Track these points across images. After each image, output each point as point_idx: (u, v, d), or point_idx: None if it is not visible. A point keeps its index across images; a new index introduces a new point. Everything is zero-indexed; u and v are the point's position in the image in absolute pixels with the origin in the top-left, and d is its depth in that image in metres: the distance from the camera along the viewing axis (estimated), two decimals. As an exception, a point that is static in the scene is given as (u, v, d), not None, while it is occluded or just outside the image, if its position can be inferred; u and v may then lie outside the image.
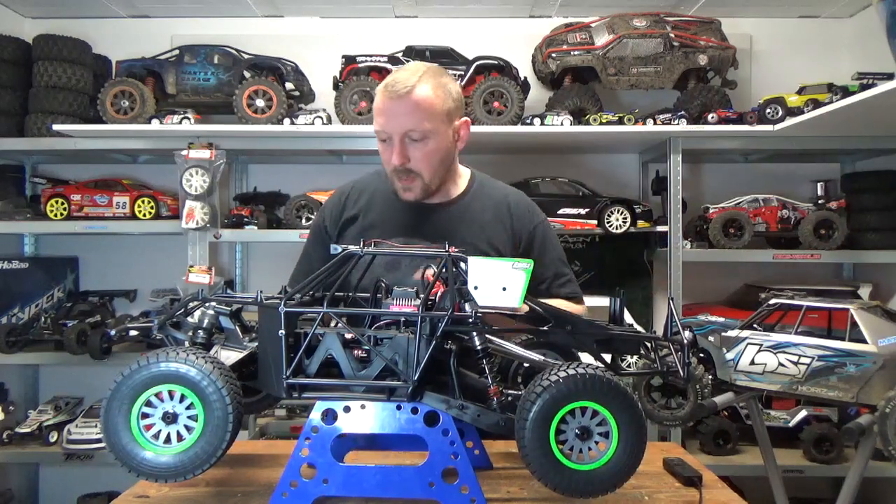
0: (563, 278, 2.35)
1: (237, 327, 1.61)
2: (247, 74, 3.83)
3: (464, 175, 2.36)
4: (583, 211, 3.88)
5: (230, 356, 1.56)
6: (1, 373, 4.17)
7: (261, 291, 1.56)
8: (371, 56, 3.85)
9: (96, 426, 3.75)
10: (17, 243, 4.40)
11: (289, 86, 3.87)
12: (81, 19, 4.35)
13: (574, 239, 4.40)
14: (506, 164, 4.38)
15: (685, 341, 1.53)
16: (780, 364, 2.14)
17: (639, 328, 2.29)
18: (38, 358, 3.99)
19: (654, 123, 3.75)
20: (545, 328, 1.56)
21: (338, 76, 3.85)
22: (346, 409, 1.47)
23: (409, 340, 1.44)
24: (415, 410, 1.46)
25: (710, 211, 3.92)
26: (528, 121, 3.74)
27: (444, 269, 1.48)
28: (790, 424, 3.77)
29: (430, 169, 2.13)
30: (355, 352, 1.49)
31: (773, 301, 2.34)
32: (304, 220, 3.81)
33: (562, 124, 3.71)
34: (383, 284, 1.62)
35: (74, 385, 4.21)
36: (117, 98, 3.73)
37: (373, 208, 2.27)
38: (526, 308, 1.55)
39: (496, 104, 3.75)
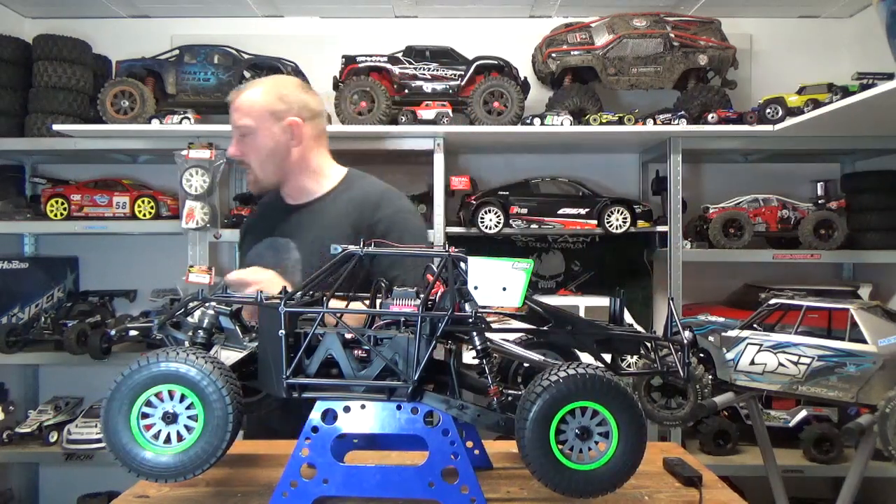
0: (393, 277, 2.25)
1: (237, 327, 1.61)
2: (247, 74, 3.83)
3: (331, 176, 2.52)
4: (583, 211, 3.88)
5: (230, 356, 1.56)
6: (1, 373, 4.17)
7: (261, 291, 1.56)
8: (371, 56, 3.85)
9: (96, 426, 3.75)
10: (17, 243, 4.41)
11: (289, 86, 3.87)
12: (81, 19, 4.36)
13: (574, 239, 4.41)
14: (506, 164, 4.39)
15: (685, 341, 1.53)
16: (780, 364, 2.14)
17: (639, 328, 2.30)
18: (38, 358, 3.99)
19: (654, 123, 3.75)
20: (545, 328, 1.56)
21: (338, 76, 3.85)
22: (346, 409, 1.47)
23: (409, 340, 1.44)
24: (415, 410, 1.46)
25: (710, 211, 3.92)
26: (528, 121, 3.74)
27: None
28: (790, 424, 3.77)
29: (258, 162, 2.41)
30: (355, 352, 1.49)
31: (773, 301, 2.34)
32: (304, 220, 3.81)
33: (562, 124, 3.71)
34: (383, 284, 1.62)
35: (74, 385, 4.21)
36: (117, 98, 3.74)
37: (261, 217, 2.61)
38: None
39: (496, 104, 3.75)
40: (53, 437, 3.86)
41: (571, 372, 1.36)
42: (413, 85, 3.86)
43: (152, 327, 1.63)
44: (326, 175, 2.51)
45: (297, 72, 3.92)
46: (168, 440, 1.39)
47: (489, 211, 3.83)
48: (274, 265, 2.28)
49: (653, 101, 4.12)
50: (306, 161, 2.48)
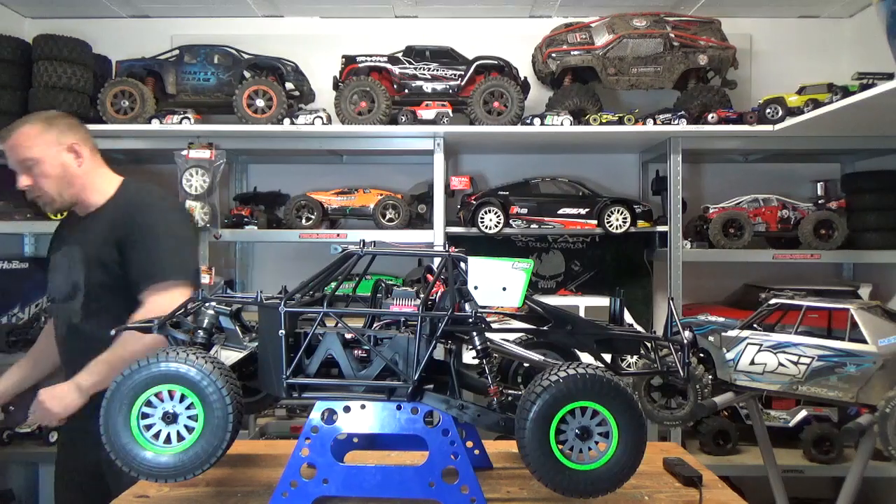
0: (151, 282, 2.49)
1: (237, 327, 1.61)
2: (247, 74, 3.83)
3: (108, 187, 2.69)
4: (583, 211, 3.88)
5: (230, 356, 1.56)
6: (1, 373, 4.16)
7: (261, 291, 1.56)
8: (371, 56, 3.85)
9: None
10: (17, 243, 4.40)
11: (289, 86, 3.87)
12: (81, 19, 4.35)
13: (574, 239, 4.41)
14: (506, 164, 4.39)
15: (685, 341, 1.53)
16: (780, 364, 2.14)
17: (639, 328, 2.30)
18: (38, 358, 3.98)
19: (654, 123, 3.75)
20: (545, 328, 1.56)
21: (338, 76, 3.85)
22: (346, 409, 1.47)
23: (409, 340, 1.44)
24: (415, 410, 1.46)
25: (710, 211, 3.92)
26: (528, 121, 3.74)
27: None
28: (790, 424, 3.77)
29: (49, 187, 2.57)
30: (355, 352, 1.49)
31: (773, 301, 2.34)
32: (304, 220, 3.82)
33: (562, 124, 3.71)
34: (383, 284, 1.62)
35: (74, 385, 4.20)
36: (117, 98, 3.73)
37: (60, 227, 2.80)
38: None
39: (496, 104, 3.75)
40: (53, 437, 3.85)
41: (571, 372, 1.36)
42: (413, 85, 3.85)
43: (152, 327, 1.64)
44: (98, 188, 2.67)
45: (297, 72, 3.92)
46: (168, 440, 1.39)
47: (489, 211, 3.83)
48: (57, 269, 2.62)
49: (653, 101, 4.12)
50: (90, 176, 2.67)
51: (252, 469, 1.80)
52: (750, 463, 3.60)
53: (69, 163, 2.60)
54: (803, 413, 3.77)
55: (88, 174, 2.66)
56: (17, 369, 2.83)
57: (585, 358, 1.57)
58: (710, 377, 2.13)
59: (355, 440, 1.77)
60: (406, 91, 3.84)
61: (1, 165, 4.24)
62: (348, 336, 1.48)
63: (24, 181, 2.56)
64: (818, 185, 4.03)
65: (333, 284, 1.62)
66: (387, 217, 3.83)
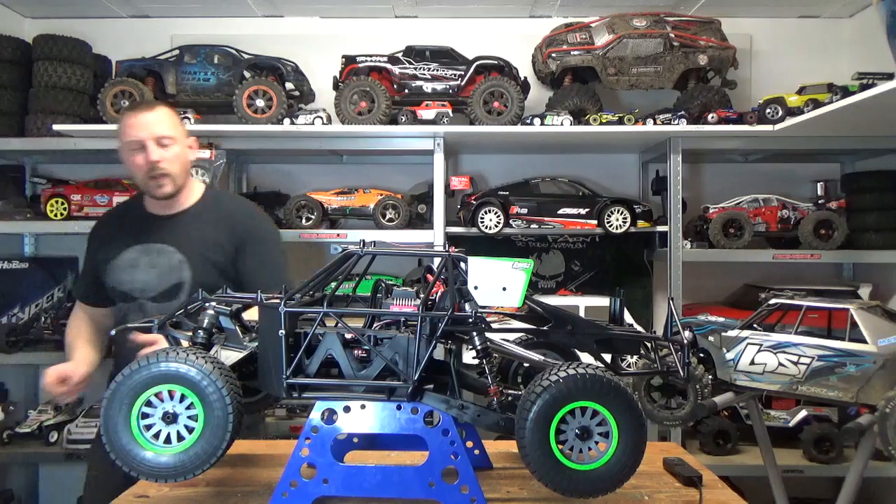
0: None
1: (237, 327, 1.61)
2: (247, 74, 3.83)
3: (196, 190, 2.77)
4: (583, 211, 3.88)
5: (230, 356, 1.56)
6: (1, 373, 4.17)
7: (260, 291, 1.56)
8: (371, 56, 3.85)
9: (96, 426, 3.75)
10: (17, 243, 4.40)
11: (289, 86, 3.87)
12: (81, 19, 4.35)
13: (574, 239, 4.41)
14: (506, 164, 4.38)
15: (685, 341, 1.54)
16: (780, 364, 2.14)
17: (639, 328, 2.30)
18: (38, 358, 3.98)
19: (654, 123, 3.75)
20: (545, 328, 1.56)
21: (338, 76, 3.85)
22: (346, 409, 1.47)
23: (409, 340, 1.44)
24: (415, 410, 1.46)
25: (710, 211, 3.92)
26: (528, 121, 3.74)
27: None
28: (790, 424, 3.77)
29: (177, 167, 2.62)
30: (355, 352, 1.49)
31: (773, 301, 2.34)
32: (304, 220, 3.81)
33: (562, 124, 3.71)
34: (383, 284, 1.62)
35: (74, 385, 4.20)
36: (117, 98, 3.73)
37: (119, 228, 2.75)
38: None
39: (496, 104, 3.75)
40: (53, 437, 3.86)
41: (571, 372, 1.36)
42: (413, 85, 3.85)
43: (152, 327, 1.64)
44: (193, 189, 2.77)
45: (297, 72, 3.92)
46: (168, 440, 1.39)
47: (489, 211, 3.83)
48: (149, 267, 2.61)
49: (653, 101, 4.12)
50: (189, 175, 2.76)
51: (252, 469, 1.80)
52: (750, 463, 3.60)
53: (190, 155, 2.73)
54: (803, 413, 3.77)
55: (189, 174, 2.76)
56: (91, 350, 2.79)
57: (585, 358, 1.57)
58: (710, 377, 2.13)
59: (355, 440, 1.77)
60: (406, 91, 3.84)
61: (1, 166, 4.28)
62: (348, 336, 1.48)
63: (157, 153, 2.58)
64: (818, 185, 4.03)
65: (333, 284, 1.61)
66: (387, 217, 3.83)
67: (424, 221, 3.94)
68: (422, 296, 1.48)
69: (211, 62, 3.86)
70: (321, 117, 3.71)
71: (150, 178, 2.61)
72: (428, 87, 3.85)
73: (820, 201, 3.96)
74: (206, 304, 1.61)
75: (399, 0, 4.18)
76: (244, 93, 3.70)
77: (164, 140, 2.60)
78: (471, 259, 1.44)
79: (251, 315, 1.61)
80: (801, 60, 4.35)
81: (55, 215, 3.89)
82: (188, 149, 2.73)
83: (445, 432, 1.46)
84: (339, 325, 1.49)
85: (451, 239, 3.89)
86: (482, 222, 3.83)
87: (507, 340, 1.63)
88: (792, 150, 3.97)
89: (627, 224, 3.85)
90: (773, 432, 3.38)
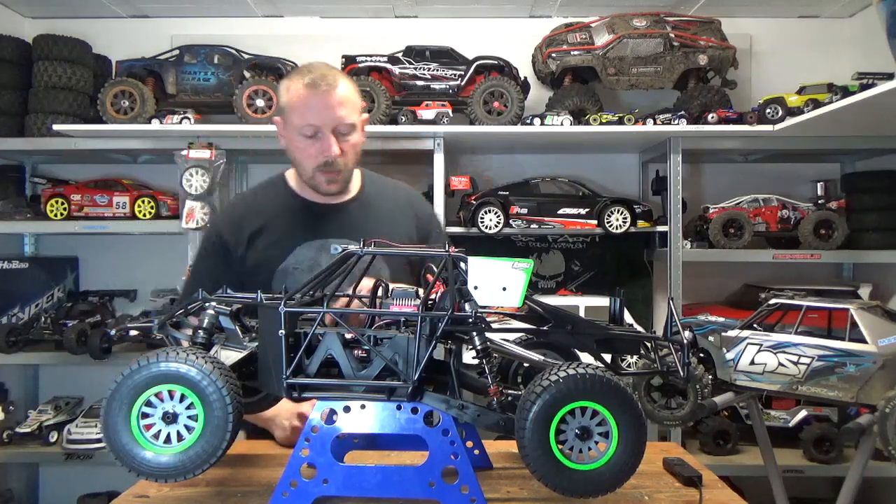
0: None
1: (237, 327, 1.61)
2: (247, 74, 3.83)
3: (356, 173, 2.41)
4: (583, 211, 3.88)
5: (230, 356, 1.56)
6: (1, 373, 4.17)
7: (261, 291, 1.56)
8: (371, 56, 3.85)
9: (96, 426, 3.75)
10: (17, 243, 4.40)
11: (289, 86, 3.87)
12: (81, 19, 4.35)
13: (574, 239, 4.41)
14: (506, 164, 4.38)
15: (685, 341, 1.53)
16: (780, 364, 2.14)
17: (639, 328, 2.29)
18: (38, 358, 3.99)
19: (654, 123, 3.75)
20: (545, 328, 1.55)
21: (338, 76, 3.85)
22: (346, 409, 1.47)
23: (409, 340, 1.44)
24: (415, 410, 1.46)
25: (710, 211, 3.92)
26: (528, 121, 3.74)
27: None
28: (790, 424, 3.77)
29: (353, 159, 2.25)
30: (355, 352, 1.49)
31: (773, 301, 2.33)
32: (304, 220, 3.81)
33: (562, 124, 3.71)
34: (383, 284, 1.62)
35: (74, 385, 4.21)
36: (117, 98, 3.74)
37: (277, 218, 2.31)
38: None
39: (496, 104, 3.75)
40: (53, 437, 3.86)
41: (571, 372, 1.36)
42: (413, 85, 3.85)
43: (152, 327, 1.63)
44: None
45: (297, 72, 3.91)
46: (168, 440, 1.39)
47: (489, 211, 3.83)
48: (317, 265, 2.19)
49: (653, 101, 4.12)
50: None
51: (252, 469, 1.80)
52: (750, 463, 3.60)
53: (363, 138, 2.32)
54: (803, 413, 3.77)
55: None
56: None
57: (585, 358, 1.57)
58: (710, 377, 2.13)
59: (355, 440, 1.77)
60: (406, 91, 3.84)
61: (1, 166, 4.28)
62: (348, 336, 1.48)
63: (336, 146, 2.17)
64: (818, 185, 4.03)
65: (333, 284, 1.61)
66: (387, 217, 3.83)
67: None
68: (422, 296, 1.48)
69: (211, 62, 3.87)
70: (321, 117, 3.71)
71: (319, 171, 2.22)
72: (428, 87, 3.85)
73: (820, 201, 3.96)
74: (207, 304, 1.61)
75: (399, 0, 4.18)
76: (244, 93, 3.70)
77: (344, 128, 2.18)
78: (471, 259, 1.44)
79: None
80: (801, 60, 4.35)
81: (55, 215, 3.89)
82: (363, 132, 2.31)
83: (445, 432, 1.46)
84: (339, 325, 1.49)
85: (451, 239, 3.89)
86: (482, 222, 3.83)
87: (507, 340, 1.63)
88: (792, 150, 3.97)
89: (627, 224, 3.85)
90: (773, 432, 3.38)
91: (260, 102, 3.71)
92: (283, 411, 2.03)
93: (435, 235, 2.41)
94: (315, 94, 2.13)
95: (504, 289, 1.43)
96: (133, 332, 3.58)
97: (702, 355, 2.24)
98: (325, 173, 2.22)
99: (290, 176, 2.40)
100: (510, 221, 3.85)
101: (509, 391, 1.48)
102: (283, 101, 2.24)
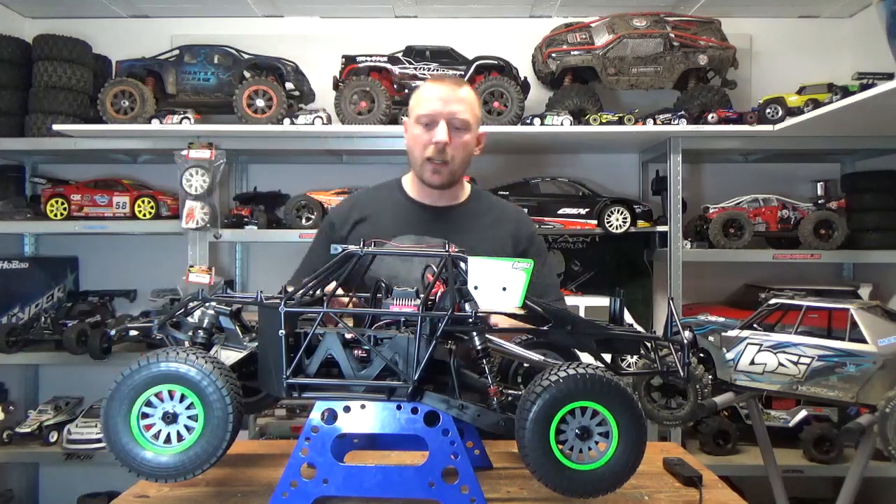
0: (555, 291, 2.49)
1: (237, 327, 1.61)
2: (247, 74, 3.83)
3: (465, 184, 2.56)
4: (583, 211, 3.88)
5: (230, 356, 1.56)
6: (1, 373, 4.17)
7: (261, 291, 1.56)
8: (371, 56, 3.85)
9: (96, 426, 3.75)
10: (17, 243, 4.40)
11: (289, 86, 3.87)
12: (81, 19, 4.36)
13: (574, 239, 4.41)
14: (506, 164, 4.38)
15: (685, 341, 1.53)
16: (780, 364, 2.14)
17: (639, 328, 2.29)
18: (38, 358, 3.98)
19: (654, 123, 3.75)
20: (545, 328, 1.55)
21: (338, 76, 3.85)
22: (346, 409, 1.47)
23: (409, 340, 1.44)
24: (415, 410, 1.46)
25: (710, 211, 3.92)
26: (528, 121, 3.74)
27: (444, 269, 1.48)
28: (790, 424, 3.77)
29: (461, 158, 2.36)
30: (355, 352, 1.49)
31: (773, 301, 2.33)
32: (304, 220, 3.81)
33: (562, 124, 3.71)
34: (383, 284, 1.62)
35: (74, 385, 4.21)
36: (117, 98, 3.73)
37: (383, 211, 2.46)
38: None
39: (496, 104, 3.75)
40: (53, 437, 3.86)
41: (571, 372, 1.36)
42: (413, 85, 3.86)
43: (152, 327, 1.64)
44: (464, 183, 2.55)
45: (297, 72, 3.92)
46: (168, 440, 1.39)
47: (489, 211, 3.83)
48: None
49: (653, 101, 4.12)
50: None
51: (252, 469, 1.80)
52: (750, 463, 3.60)
53: (476, 150, 2.45)
54: (803, 413, 3.77)
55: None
56: None
57: (585, 358, 1.57)
58: (710, 377, 2.13)
59: (355, 440, 1.77)
60: (406, 91, 3.85)
61: (1, 166, 4.28)
62: (348, 336, 1.48)
63: (446, 134, 2.29)
64: (818, 185, 4.03)
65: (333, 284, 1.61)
66: (387, 217, 3.83)
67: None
68: (422, 296, 1.48)
69: (211, 62, 3.87)
70: (321, 117, 3.71)
71: (427, 160, 2.33)
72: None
73: (820, 201, 3.96)
74: (206, 304, 1.61)
75: (399, 0, 4.18)
76: (244, 93, 3.70)
77: (458, 123, 2.31)
78: (471, 259, 1.44)
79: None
80: (801, 60, 4.35)
81: (55, 215, 3.90)
82: (477, 144, 2.45)
83: (445, 432, 1.46)
84: (339, 325, 1.49)
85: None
86: (482, 222, 3.82)
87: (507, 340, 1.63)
88: (792, 150, 3.97)
89: (627, 224, 3.85)
90: (773, 432, 3.38)
91: (260, 102, 3.71)
92: None
93: (531, 254, 2.41)
94: (437, 89, 2.35)
95: (504, 289, 1.43)
96: (133, 333, 3.59)
97: (702, 355, 2.24)
98: (432, 163, 2.33)
99: (406, 179, 2.54)
100: (510, 221, 3.85)
101: (509, 391, 1.48)
102: (411, 102, 2.43)
